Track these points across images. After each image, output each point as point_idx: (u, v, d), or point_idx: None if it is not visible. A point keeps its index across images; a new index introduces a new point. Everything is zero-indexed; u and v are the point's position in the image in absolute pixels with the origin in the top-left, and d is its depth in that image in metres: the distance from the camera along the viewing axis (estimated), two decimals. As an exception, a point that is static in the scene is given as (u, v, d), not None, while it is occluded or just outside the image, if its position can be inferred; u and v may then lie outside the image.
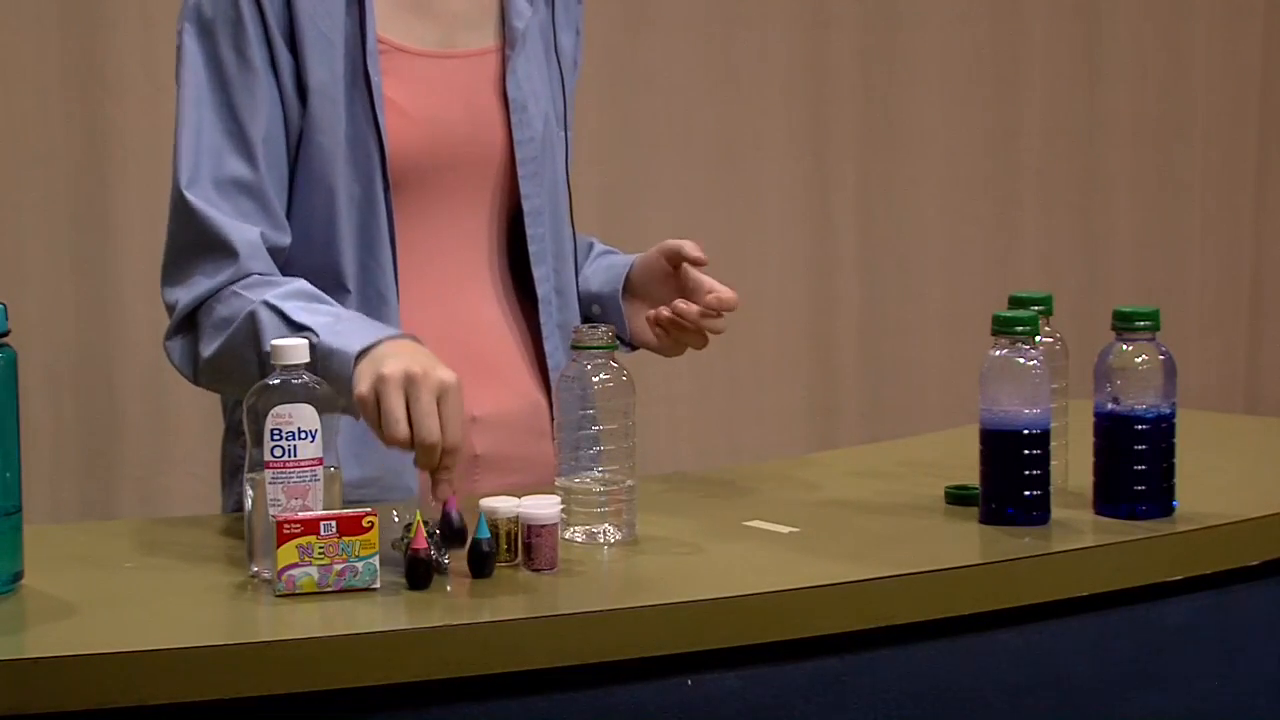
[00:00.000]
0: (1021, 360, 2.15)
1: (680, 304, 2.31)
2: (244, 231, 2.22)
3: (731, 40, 4.51)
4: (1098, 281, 4.85)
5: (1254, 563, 2.21)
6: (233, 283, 2.20)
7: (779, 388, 4.61)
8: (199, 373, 2.25)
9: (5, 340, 1.92)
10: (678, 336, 2.35)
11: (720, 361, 4.55)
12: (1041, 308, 2.26)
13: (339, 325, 2.13)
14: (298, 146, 2.27)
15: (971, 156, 4.76)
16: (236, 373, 2.19)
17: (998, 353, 2.16)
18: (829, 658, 1.98)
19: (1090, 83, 4.87)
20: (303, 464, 1.96)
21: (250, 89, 2.23)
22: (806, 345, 4.63)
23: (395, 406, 2.02)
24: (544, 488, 2.12)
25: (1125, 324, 2.20)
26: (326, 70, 2.25)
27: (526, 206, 2.36)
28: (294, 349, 1.98)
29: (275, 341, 1.99)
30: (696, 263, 2.36)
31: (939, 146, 4.72)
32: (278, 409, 1.96)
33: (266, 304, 2.16)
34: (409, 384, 2.02)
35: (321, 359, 2.09)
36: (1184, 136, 4.98)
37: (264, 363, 2.11)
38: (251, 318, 2.16)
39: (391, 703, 1.81)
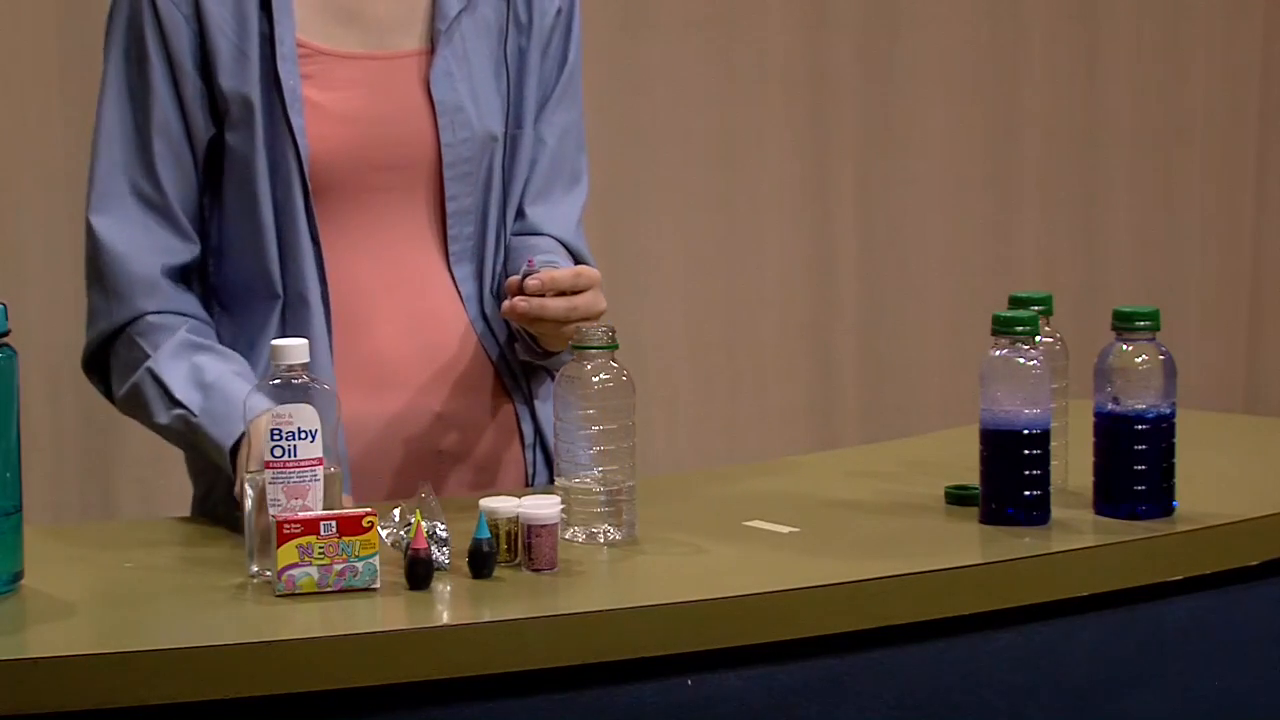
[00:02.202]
0: (1021, 360, 2.15)
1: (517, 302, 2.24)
2: (141, 267, 2.28)
3: (731, 40, 4.51)
4: (1098, 281, 4.85)
5: (1254, 563, 2.20)
6: (129, 322, 2.28)
7: (779, 388, 4.61)
8: (116, 404, 2.34)
9: (5, 340, 1.92)
10: (540, 330, 2.29)
11: (720, 361, 4.56)
12: (1041, 308, 2.26)
13: (210, 404, 2.21)
14: (221, 158, 2.30)
15: (971, 157, 4.75)
16: (141, 420, 2.30)
17: (998, 353, 2.16)
18: (829, 658, 1.98)
19: (1090, 83, 4.86)
20: (303, 464, 1.96)
21: (149, 109, 2.29)
22: (806, 345, 4.63)
23: None
24: (515, 490, 2.12)
25: (1125, 324, 2.20)
26: (241, 80, 2.27)
27: (451, 207, 2.36)
28: (294, 349, 1.98)
29: (275, 342, 2.00)
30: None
31: (939, 147, 4.72)
32: (278, 409, 1.96)
33: (150, 371, 2.26)
34: None
35: (197, 437, 2.22)
36: (1184, 136, 4.97)
37: (156, 427, 2.27)
38: (137, 386, 2.27)
39: (391, 703, 1.81)
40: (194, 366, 2.25)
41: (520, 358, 2.39)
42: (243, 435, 2.12)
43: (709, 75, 4.49)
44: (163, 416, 2.25)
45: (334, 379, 2.29)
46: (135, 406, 2.29)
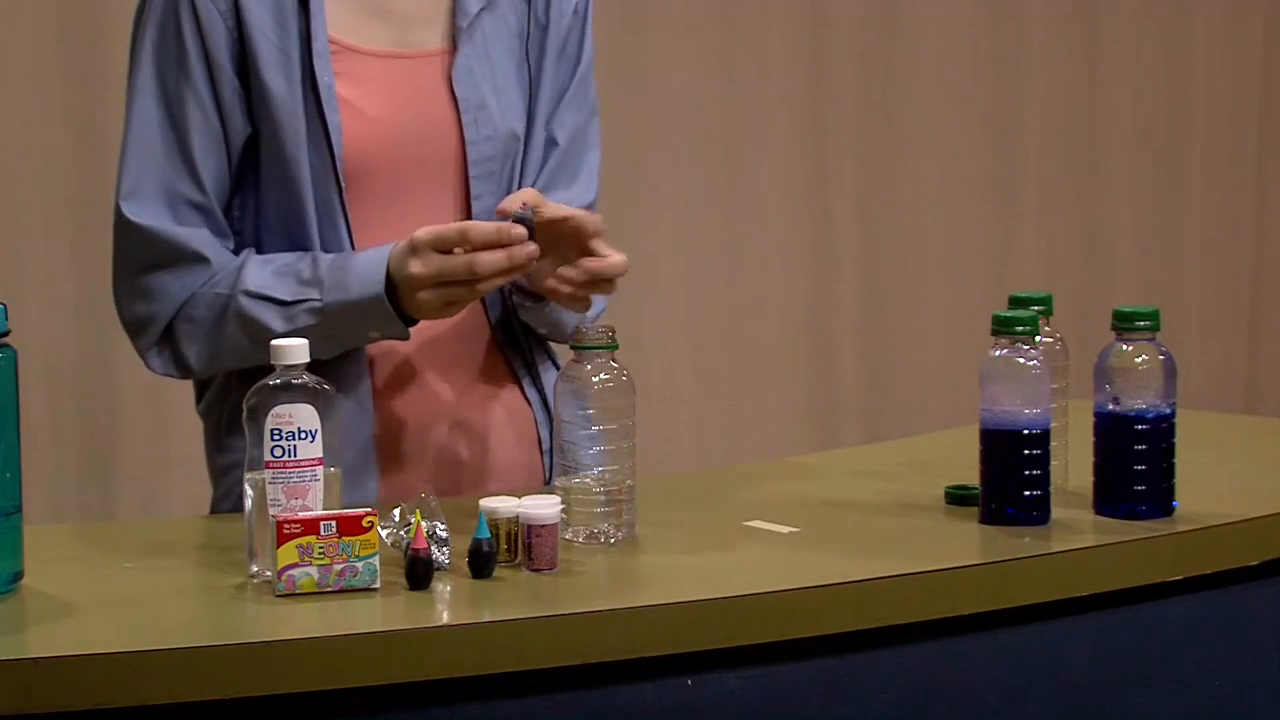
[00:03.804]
0: (1021, 360, 2.15)
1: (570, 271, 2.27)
2: (201, 236, 2.28)
3: (731, 40, 4.51)
4: (1098, 281, 4.85)
5: (1254, 563, 2.21)
6: (198, 286, 2.27)
7: (779, 388, 4.61)
8: (188, 373, 2.32)
9: (5, 340, 1.92)
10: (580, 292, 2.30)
11: (720, 361, 4.56)
12: (1041, 308, 2.26)
13: (334, 275, 2.22)
14: (258, 158, 2.29)
15: (971, 156, 4.76)
16: (237, 362, 2.28)
17: (998, 353, 2.16)
18: (829, 658, 1.98)
19: (1090, 83, 4.87)
20: (303, 464, 1.96)
21: (186, 107, 2.27)
22: (806, 345, 4.63)
23: (457, 292, 2.20)
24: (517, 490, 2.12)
25: (1125, 324, 2.20)
26: (281, 79, 2.27)
27: (476, 207, 2.35)
28: (294, 349, 1.98)
29: (275, 342, 2.00)
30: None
31: (939, 146, 4.72)
32: (278, 409, 1.96)
33: (246, 294, 2.25)
34: (442, 279, 2.18)
35: (333, 316, 2.21)
36: (1184, 136, 4.98)
37: (265, 348, 2.18)
38: (239, 315, 2.25)
39: (391, 703, 1.81)
40: (283, 267, 2.25)
41: (519, 317, 2.38)
42: (387, 277, 2.19)
43: (709, 75, 4.49)
44: (283, 324, 2.23)
45: (369, 379, 2.31)
46: (237, 341, 2.25)
